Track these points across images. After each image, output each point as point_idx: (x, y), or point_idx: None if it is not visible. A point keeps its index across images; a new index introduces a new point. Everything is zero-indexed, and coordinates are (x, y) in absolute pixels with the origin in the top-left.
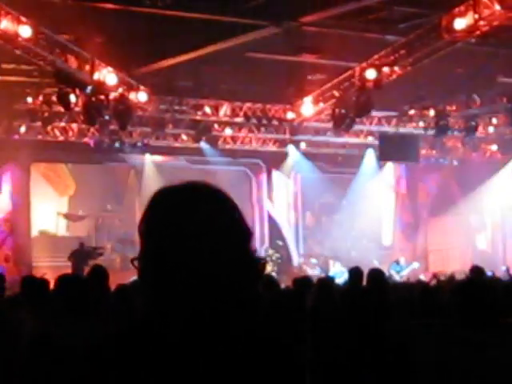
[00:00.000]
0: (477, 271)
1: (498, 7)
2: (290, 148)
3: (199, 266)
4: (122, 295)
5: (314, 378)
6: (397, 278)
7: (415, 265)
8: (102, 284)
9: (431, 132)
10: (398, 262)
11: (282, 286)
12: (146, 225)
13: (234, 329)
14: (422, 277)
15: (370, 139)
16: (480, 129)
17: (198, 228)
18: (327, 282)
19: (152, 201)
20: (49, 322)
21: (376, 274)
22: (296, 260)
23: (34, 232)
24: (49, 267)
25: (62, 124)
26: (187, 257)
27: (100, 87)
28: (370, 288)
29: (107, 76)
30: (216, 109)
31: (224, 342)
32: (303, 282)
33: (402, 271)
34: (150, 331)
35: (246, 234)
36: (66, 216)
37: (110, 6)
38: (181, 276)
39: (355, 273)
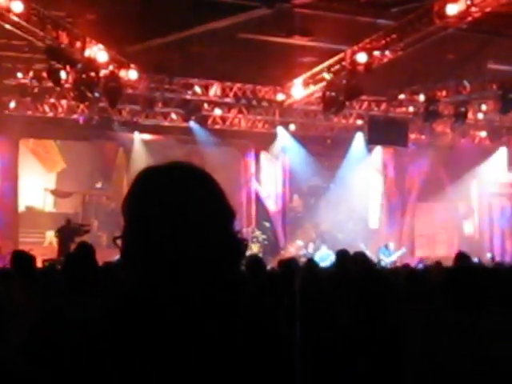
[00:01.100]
0: (463, 257)
1: None
2: (279, 130)
3: (183, 246)
4: (108, 273)
5: (303, 360)
6: (386, 262)
7: (403, 250)
8: (89, 261)
9: (421, 117)
10: (386, 247)
11: (268, 267)
12: (130, 204)
13: (219, 309)
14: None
15: (360, 123)
16: (469, 115)
17: (181, 208)
18: (312, 264)
19: (136, 181)
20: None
21: (361, 257)
22: (282, 242)
23: (21, 207)
24: (35, 243)
25: (52, 100)
26: (171, 237)
27: (90, 64)
28: (359, 271)
29: (98, 53)
30: (206, 88)
31: (209, 322)
32: (288, 263)
33: (391, 256)
34: (134, 311)
35: (230, 214)
36: (54, 192)
37: None
38: (164, 256)
39: (342, 255)
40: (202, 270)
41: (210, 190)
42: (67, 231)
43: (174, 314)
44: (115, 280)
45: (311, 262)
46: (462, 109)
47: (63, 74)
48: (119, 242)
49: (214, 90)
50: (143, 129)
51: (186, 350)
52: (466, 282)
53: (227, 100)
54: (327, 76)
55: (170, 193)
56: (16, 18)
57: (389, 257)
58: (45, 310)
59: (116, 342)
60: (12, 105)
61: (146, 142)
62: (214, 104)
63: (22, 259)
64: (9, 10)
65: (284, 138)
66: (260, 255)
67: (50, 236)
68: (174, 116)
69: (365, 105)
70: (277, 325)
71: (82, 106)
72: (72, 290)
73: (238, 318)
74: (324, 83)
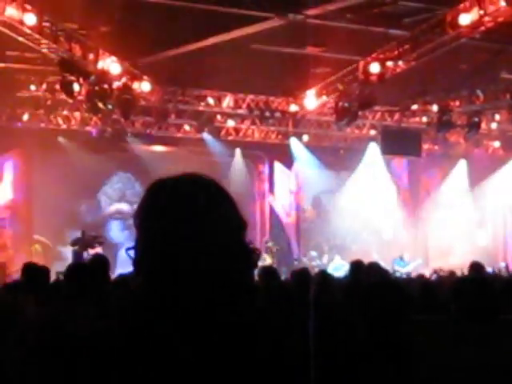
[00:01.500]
0: (477, 267)
1: (503, 3)
2: (293, 140)
3: (195, 257)
4: (121, 285)
5: (317, 372)
6: (402, 272)
7: (419, 261)
8: (103, 272)
9: (434, 127)
10: (401, 258)
11: (282, 278)
12: (141, 216)
13: (230, 318)
14: (423, 272)
15: (373, 133)
16: (483, 125)
17: (194, 219)
18: (326, 275)
19: (147, 192)
20: (55, 308)
21: (376, 267)
22: (296, 252)
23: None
24: None
25: (65, 112)
26: (183, 248)
27: (104, 76)
28: (374, 282)
29: (111, 65)
30: (219, 100)
31: (220, 331)
32: (301, 274)
33: (406, 267)
34: (144, 322)
35: (241, 224)
36: None
37: None
38: (177, 267)
39: (357, 266)
40: (213, 280)
41: (220, 200)
42: (82, 243)
43: (185, 324)
44: (128, 292)
45: (324, 272)
46: (476, 119)
47: (76, 87)
48: (131, 252)
49: (227, 101)
50: (156, 141)
51: (197, 361)
52: (478, 293)
53: (240, 111)
54: (340, 86)
55: (181, 204)
56: (29, 31)
57: (404, 267)
58: (49, 323)
59: (122, 356)
60: (25, 117)
61: (158, 154)
62: (226, 115)
63: (35, 272)
64: (22, 23)
65: (297, 148)
66: (274, 266)
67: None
68: (187, 127)
69: (378, 115)
70: (283, 333)
71: (95, 118)
72: (76, 301)
73: (245, 325)
74: (337, 94)
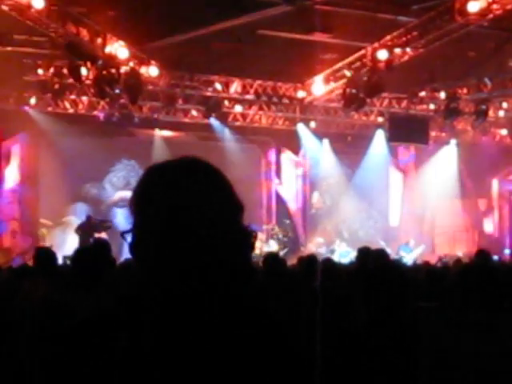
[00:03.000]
0: (483, 255)
1: None
2: (300, 127)
3: (191, 241)
4: (127, 269)
5: (322, 357)
6: (407, 259)
7: (423, 246)
8: (104, 256)
9: (441, 114)
10: (407, 244)
11: (288, 264)
12: (137, 200)
13: (225, 300)
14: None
15: (380, 120)
16: (490, 113)
17: (191, 202)
18: (331, 262)
19: (143, 177)
20: (61, 290)
21: (380, 254)
22: (302, 239)
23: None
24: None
25: (73, 97)
26: (180, 230)
27: (111, 61)
28: (380, 268)
29: (118, 50)
30: (226, 85)
31: (217, 314)
32: (308, 260)
33: (412, 253)
34: (141, 305)
35: (238, 208)
36: None
37: None
38: (174, 249)
39: (364, 253)
40: (209, 263)
41: (216, 183)
42: (87, 227)
43: (182, 307)
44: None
45: (330, 259)
46: (483, 106)
47: (84, 71)
48: (128, 236)
49: (235, 86)
50: (163, 125)
51: (192, 340)
52: (484, 280)
53: (248, 97)
54: (348, 73)
55: (176, 187)
56: (37, 14)
57: (410, 253)
58: (56, 306)
59: (118, 339)
60: (33, 101)
61: (166, 139)
62: (234, 101)
63: (45, 256)
64: (30, 6)
65: (305, 134)
66: (280, 252)
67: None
68: (194, 113)
69: (385, 102)
70: (286, 320)
71: (102, 102)
72: (81, 286)
73: (244, 310)
74: (344, 80)
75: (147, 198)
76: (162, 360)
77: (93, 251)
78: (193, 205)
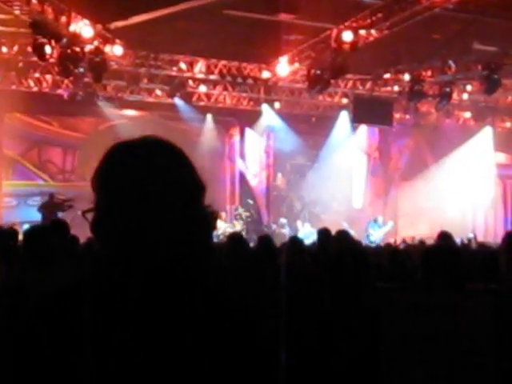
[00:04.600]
0: (445, 237)
1: None
2: (264, 107)
3: (152, 219)
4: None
5: (287, 337)
6: (375, 236)
7: (391, 223)
8: (62, 236)
9: (405, 96)
10: (375, 221)
11: (252, 245)
12: (98, 179)
13: (183, 280)
14: (392, 240)
15: (345, 101)
16: (454, 95)
17: (147, 181)
18: (297, 241)
19: (105, 155)
20: (19, 271)
21: (342, 235)
22: (266, 220)
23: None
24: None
25: (37, 75)
26: (141, 210)
27: (75, 39)
28: (341, 250)
29: (83, 28)
30: (191, 65)
31: (177, 290)
32: (266, 240)
33: (380, 230)
34: (99, 283)
35: (199, 187)
36: None
37: None
38: (135, 228)
39: (324, 234)
40: (170, 241)
41: (178, 163)
42: (50, 206)
43: (138, 285)
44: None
45: (295, 238)
46: (447, 89)
47: (48, 49)
48: (89, 215)
49: (199, 66)
50: (128, 104)
51: (149, 320)
52: (446, 262)
53: (212, 77)
54: (313, 54)
55: (136, 166)
56: None
57: (378, 230)
58: (12, 285)
59: (81, 315)
60: None
61: (130, 118)
62: (198, 81)
63: (5, 236)
64: None
65: (269, 115)
66: (243, 232)
67: None
68: (158, 92)
69: (350, 83)
70: (247, 299)
71: (66, 81)
72: (34, 265)
73: (203, 290)
74: (309, 61)
75: (109, 177)
76: (124, 334)
77: (41, 231)
78: (155, 184)
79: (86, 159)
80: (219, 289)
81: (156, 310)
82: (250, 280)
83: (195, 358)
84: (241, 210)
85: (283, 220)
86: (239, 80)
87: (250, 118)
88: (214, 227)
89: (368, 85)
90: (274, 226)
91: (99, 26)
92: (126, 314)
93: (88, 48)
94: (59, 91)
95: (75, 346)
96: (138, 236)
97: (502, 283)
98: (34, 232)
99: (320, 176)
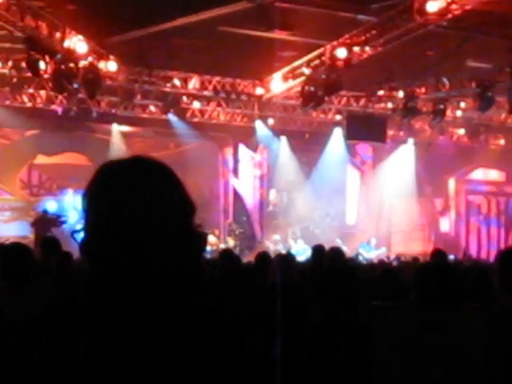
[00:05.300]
0: (438, 254)
1: None
2: (258, 124)
3: (143, 239)
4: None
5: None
6: (364, 256)
7: (383, 249)
8: (54, 252)
9: (399, 113)
10: (368, 243)
11: (245, 261)
12: (88, 198)
13: (173, 300)
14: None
15: (338, 118)
16: (448, 112)
17: (138, 201)
18: (287, 258)
19: (95, 175)
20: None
21: (336, 253)
22: (259, 236)
23: None
24: (14, 237)
25: (31, 90)
26: (132, 231)
27: (70, 55)
28: (334, 267)
29: (77, 44)
30: (185, 81)
31: (167, 310)
32: (262, 257)
33: (370, 252)
34: (94, 300)
35: (190, 207)
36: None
37: None
38: (125, 249)
39: (318, 250)
40: (159, 259)
41: (168, 183)
42: (44, 222)
43: (135, 295)
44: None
45: (287, 255)
46: (441, 106)
47: (42, 65)
48: (77, 235)
49: (193, 82)
50: (121, 120)
51: (146, 330)
52: (438, 279)
53: (206, 93)
54: (306, 71)
55: (128, 186)
56: None
57: (368, 252)
58: None
59: (69, 339)
60: None
61: (124, 134)
62: (192, 97)
63: None
64: None
65: (262, 131)
66: (237, 249)
67: None
68: (152, 108)
69: (344, 100)
70: (237, 317)
71: (60, 96)
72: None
73: (194, 310)
74: (303, 78)
75: (99, 197)
76: (121, 345)
77: (43, 249)
78: (145, 205)
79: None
80: (211, 304)
81: (153, 320)
82: (241, 296)
83: (190, 368)
84: (234, 226)
85: (277, 236)
86: (233, 96)
87: (243, 135)
88: (203, 247)
89: (362, 101)
90: (267, 243)
91: (93, 42)
92: (123, 325)
93: (82, 64)
94: (53, 107)
95: (70, 362)
96: (127, 259)
97: (495, 301)
98: (7, 251)
99: (313, 192)
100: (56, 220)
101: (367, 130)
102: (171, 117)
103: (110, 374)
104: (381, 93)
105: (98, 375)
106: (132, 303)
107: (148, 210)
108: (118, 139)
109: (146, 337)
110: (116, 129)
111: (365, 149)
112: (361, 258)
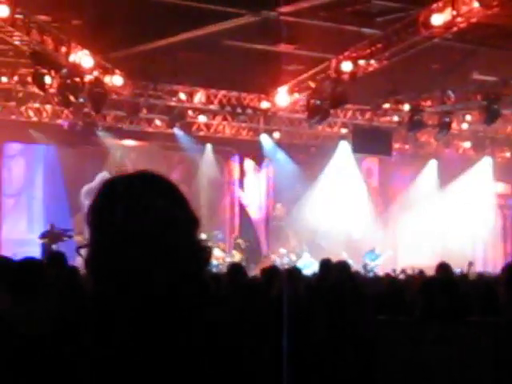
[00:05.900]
0: (444, 268)
1: (476, 4)
2: (264, 137)
3: (149, 255)
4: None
5: (278, 366)
6: (372, 266)
7: (389, 252)
8: (60, 268)
9: (405, 126)
10: (372, 251)
11: (251, 274)
12: (93, 214)
13: (180, 313)
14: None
15: (344, 131)
16: (454, 125)
17: (143, 217)
18: (295, 272)
19: (100, 190)
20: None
21: (342, 266)
22: (265, 250)
23: None
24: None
25: (36, 105)
26: (137, 247)
27: (75, 69)
28: (340, 281)
29: (83, 59)
30: (191, 95)
31: (171, 325)
32: (271, 271)
33: (377, 259)
34: (99, 315)
35: (193, 222)
36: None
37: None
38: (129, 265)
39: (326, 265)
40: (163, 274)
41: (172, 198)
42: (51, 236)
43: (136, 311)
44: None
45: (293, 268)
46: (447, 119)
47: (48, 79)
48: (82, 251)
49: (199, 96)
50: (127, 135)
51: (144, 352)
52: (444, 293)
53: (212, 107)
54: (312, 84)
55: (132, 201)
56: (1, 23)
57: (374, 260)
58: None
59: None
60: None
61: (129, 148)
62: (198, 111)
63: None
64: None
65: (268, 145)
66: (243, 263)
67: None
68: (158, 122)
69: (349, 114)
70: (244, 332)
71: (66, 111)
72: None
73: (198, 324)
74: (309, 91)
75: (104, 213)
76: (119, 365)
77: (49, 265)
78: (146, 218)
79: None
80: (216, 318)
81: (149, 346)
82: (247, 310)
83: (190, 368)
84: (240, 240)
85: (283, 250)
86: (239, 110)
87: (249, 148)
88: (207, 261)
89: (367, 115)
90: (273, 256)
91: (99, 57)
92: (124, 328)
93: (88, 78)
94: (59, 121)
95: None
96: (132, 275)
97: (502, 315)
98: (26, 265)
99: (320, 205)
100: (63, 234)
101: (373, 144)
102: (177, 131)
103: (110, 374)
104: (386, 106)
105: (98, 375)
106: (134, 316)
107: (151, 224)
108: (124, 153)
109: (146, 338)
110: (121, 143)
111: (371, 162)
112: (369, 267)
